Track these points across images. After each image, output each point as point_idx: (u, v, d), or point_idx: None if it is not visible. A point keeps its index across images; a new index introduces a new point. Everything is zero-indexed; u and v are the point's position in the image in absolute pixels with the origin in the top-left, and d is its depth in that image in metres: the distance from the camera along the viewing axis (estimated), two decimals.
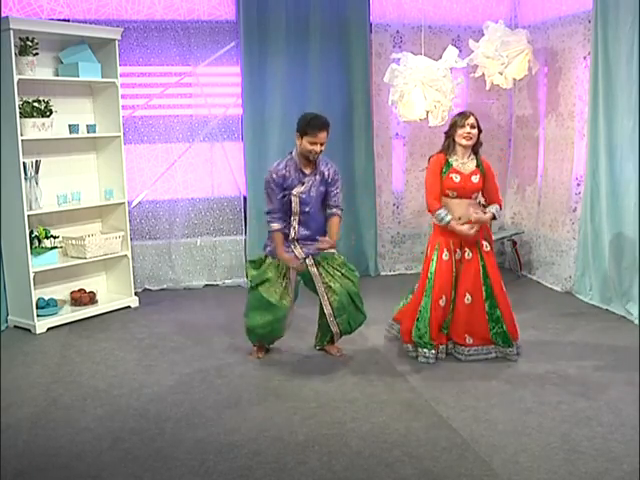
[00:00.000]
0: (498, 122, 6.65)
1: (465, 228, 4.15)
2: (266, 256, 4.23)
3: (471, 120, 4.15)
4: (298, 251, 4.17)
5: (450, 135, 4.20)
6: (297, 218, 4.13)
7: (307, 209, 4.12)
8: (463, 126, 4.14)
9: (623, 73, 4.91)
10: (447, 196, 4.19)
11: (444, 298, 4.19)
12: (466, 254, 4.23)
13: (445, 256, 4.20)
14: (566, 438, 3.22)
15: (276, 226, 4.13)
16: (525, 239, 6.49)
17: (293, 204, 4.10)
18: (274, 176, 4.07)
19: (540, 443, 3.18)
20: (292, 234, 4.17)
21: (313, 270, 4.18)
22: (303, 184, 4.09)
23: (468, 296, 4.21)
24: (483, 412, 3.52)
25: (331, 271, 4.18)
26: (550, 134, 6.01)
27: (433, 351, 4.20)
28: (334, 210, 4.20)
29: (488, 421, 3.42)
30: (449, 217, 4.14)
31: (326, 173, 4.15)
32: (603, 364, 4.17)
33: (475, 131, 4.16)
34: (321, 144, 4.02)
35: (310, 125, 3.98)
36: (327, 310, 4.20)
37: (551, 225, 6.07)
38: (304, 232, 4.17)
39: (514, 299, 5.59)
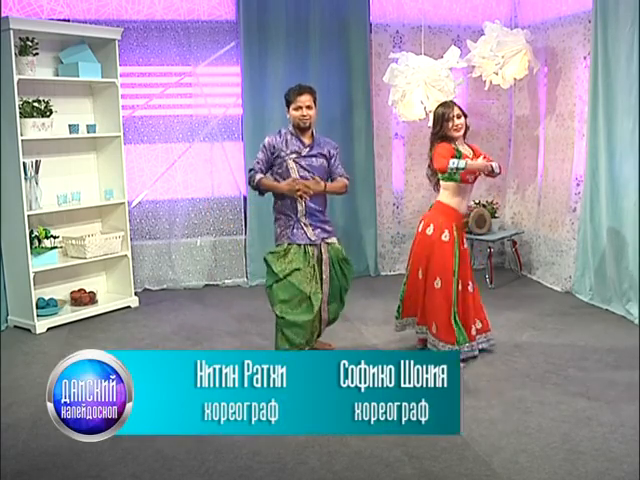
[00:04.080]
0: (498, 122, 6.64)
1: (482, 162, 4.03)
2: (289, 244, 4.10)
3: (456, 111, 4.12)
4: (310, 233, 4.11)
5: (440, 131, 4.12)
6: None
7: (308, 176, 4.10)
8: (449, 119, 4.09)
9: (623, 73, 4.91)
10: (465, 181, 4.12)
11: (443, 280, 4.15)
12: (428, 229, 4.17)
13: (445, 237, 4.13)
14: (566, 438, 3.22)
15: (260, 174, 4.13)
16: (525, 239, 6.49)
17: (292, 171, 4.08)
18: (269, 139, 4.16)
19: (540, 443, 3.18)
20: (300, 209, 4.10)
21: (325, 257, 4.15)
22: (302, 150, 4.11)
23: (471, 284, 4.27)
24: (483, 412, 3.52)
25: (333, 263, 4.19)
26: (550, 134, 6.00)
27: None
28: (339, 178, 4.22)
29: (488, 421, 3.42)
30: (463, 161, 3.94)
31: (326, 149, 4.18)
32: (603, 364, 4.17)
33: (462, 119, 4.14)
34: (307, 107, 4.07)
35: (290, 93, 4.13)
36: (324, 297, 4.16)
37: (551, 225, 6.07)
38: (311, 204, 4.09)
39: (514, 299, 5.65)
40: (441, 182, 4.20)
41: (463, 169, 3.92)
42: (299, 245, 4.10)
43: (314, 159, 4.14)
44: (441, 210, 4.19)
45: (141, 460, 3.11)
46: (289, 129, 4.18)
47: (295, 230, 4.11)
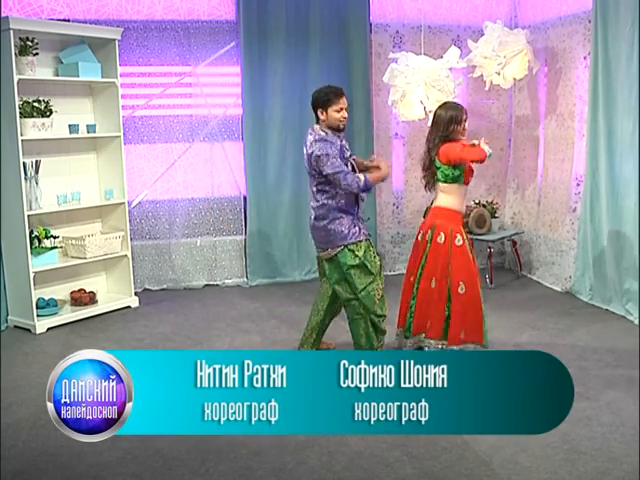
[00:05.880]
0: (498, 122, 6.64)
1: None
2: (365, 240, 4.05)
3: (466, 115, 4.10)
4: (363, 227, 4.10)
5: (449, 134, 4.05)
6: None
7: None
8: (460, 122, 4.06)
9: (623, 73, 4.91)
10: (468, 183, 4.15)
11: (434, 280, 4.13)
12: (439, 238, 4.11)
13: (458, 242, 4.09)
14: (566, 438, 3.22)
15: (360, 174, 3.93)
16: (525, 239, 6.49)
17: (356, 171, 4.06)
18: (330, 139, 3.94)
19: (540, 443, 3.18)
20: (361, 205, 4.09)
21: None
22: (347, 151, 4.06)
23: (462, 285, 4.08)
24: None
25: None
26: (550, 134, 6.01)
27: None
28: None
29: None
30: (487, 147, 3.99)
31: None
32: (603, 364, 4.17)
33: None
34: (346, 109, 4.00)
35: (329, 94, 3.96)
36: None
37: (551, 225, 6.07)
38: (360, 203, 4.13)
39: (514, 299, 5.65)
40: (442, 186, 4.13)
41: (491, 155, 4.01)
42: (366, 239, 4.09)
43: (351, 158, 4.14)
44: (447, 216, 4.13)
45: (141, 460, 3.11)
46: (325, 130, 3.97)
47: (361, 225, 4.09)
